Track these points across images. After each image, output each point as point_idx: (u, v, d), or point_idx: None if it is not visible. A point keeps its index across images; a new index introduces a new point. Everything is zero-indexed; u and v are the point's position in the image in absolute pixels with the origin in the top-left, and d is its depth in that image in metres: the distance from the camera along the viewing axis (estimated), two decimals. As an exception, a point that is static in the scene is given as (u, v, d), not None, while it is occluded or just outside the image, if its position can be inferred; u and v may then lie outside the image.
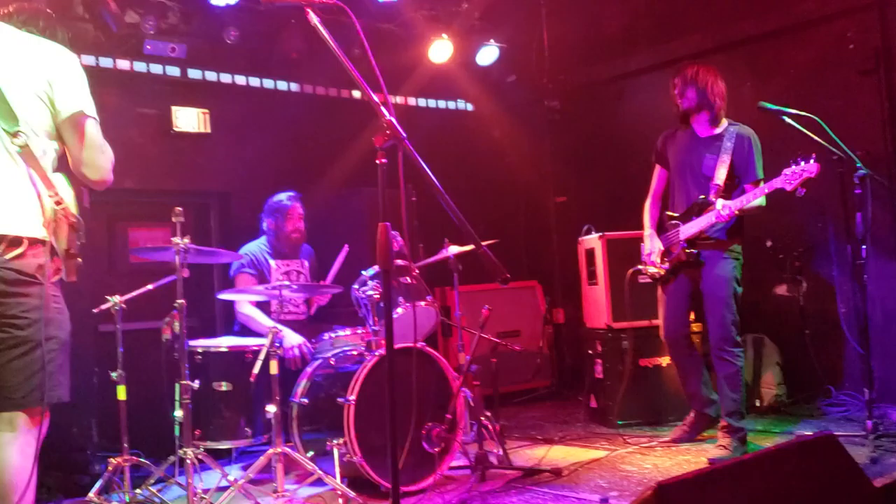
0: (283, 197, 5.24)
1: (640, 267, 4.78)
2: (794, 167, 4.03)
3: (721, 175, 4.39)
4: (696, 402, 4.77)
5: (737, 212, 4.25)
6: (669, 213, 4.64)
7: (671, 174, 4.72)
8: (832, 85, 5.53)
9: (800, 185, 4.00)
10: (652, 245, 4.70)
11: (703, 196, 4.43)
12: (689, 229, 4.46)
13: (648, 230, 4.78)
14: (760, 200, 4.25)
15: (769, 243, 5.82)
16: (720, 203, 4.29)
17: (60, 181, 2.66)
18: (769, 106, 4.37)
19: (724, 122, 4.53)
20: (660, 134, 4.83)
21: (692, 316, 4.78)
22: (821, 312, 5.58)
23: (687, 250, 4.48)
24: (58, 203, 2.58)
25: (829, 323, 5.51)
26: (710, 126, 4.53)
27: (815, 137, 4.27)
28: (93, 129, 2.72)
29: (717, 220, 4.31)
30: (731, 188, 4.42)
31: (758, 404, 5.44)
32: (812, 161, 4.00)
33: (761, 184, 4.29)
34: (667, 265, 4.60)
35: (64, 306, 2.67)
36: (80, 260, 2.68)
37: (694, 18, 6.28)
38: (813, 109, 4.36)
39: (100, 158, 2.73)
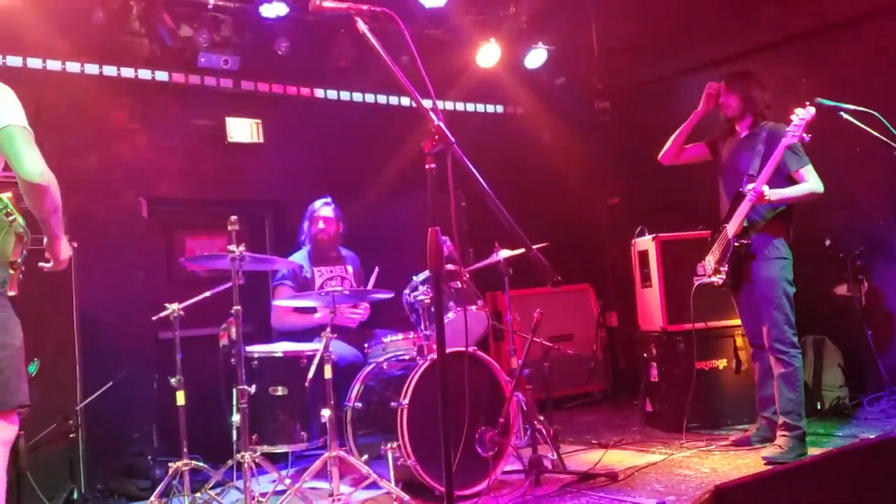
0: (316, 202, 5.31)
1: (704, 280, 4.71)
2: (794, 119, 4.20)
3: (755, 165, 4.41)
4: (768, 410, 4.65)
5: (767, 194, 4.22)
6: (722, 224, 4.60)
7: (719, 177, 4.73)
8: (890, 78, 5.38)
9: (804, 132, 4.17)
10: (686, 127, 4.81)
11: (740, 189, 4.43)
12: (733, 224, 4.45)
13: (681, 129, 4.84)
14: (808, 185, 4.29)
15: (828, 242, 5.69)
16: (749, 186, 4.32)
17: (6, 195, 2.73)
18: (826, 102, 4.27)
19: (762, 122, 4.56)
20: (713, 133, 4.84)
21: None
22: (883, 312, 5.43)
23: (737, 244, 4.44)
24: (7, 215, 2.64)
25: (892, 323, 5.36)
26: (751, 128, 4.60)
27: (874, 132, 4.16)
28: (18, 136, 2.75)
29: (749, 206, 4.31)
30: (778, 183, 4.36)
31: (819, 407, 5.32)
32: (808, 106, 4.18)
33: (806, 172, 4.34)
34: (726, 267, 4.53)
35: (12, 314, 2.77)
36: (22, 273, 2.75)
37: (745, 15, 6.17)
38: (871, 104, 4.25)
39: (27, 163, 2.72)
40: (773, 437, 4.49)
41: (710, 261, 4.65)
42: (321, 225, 5.29)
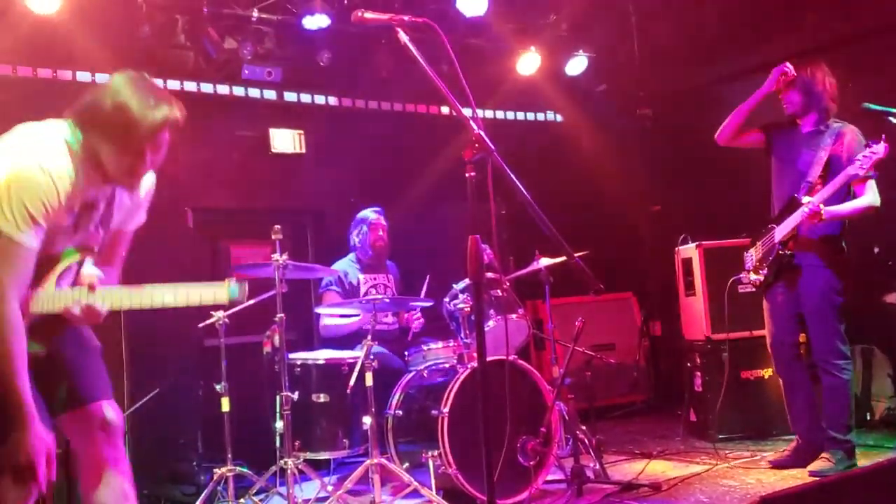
0: (369, 211, 5.39)
1: (740, 276, 4.63)
2: (865, 151, 4.00)
3: (815, 172, 4.24)
4: (801, 427, 4.44)
5: (822, 212, 4.05)
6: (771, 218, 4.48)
7: (774, 172, 4.53)
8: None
9: (872, 167, 3.99)
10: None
11: (795, 195, 4.28)
12: (782, 230, 4.31)
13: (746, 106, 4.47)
14: (866, 200, 4.11)
15: (877, 250, 5.57)
16: (805, 199, 4.16)
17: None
18: (873, 107, 4.19)
19: (831, 121, 4.36)
20: None
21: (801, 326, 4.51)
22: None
23: (780, 251, 4.33)
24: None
25: (944, 332, 5.22)
26: (816, 124, 4.37)
27: (924, 138, 4.07)
28: None
29: (801, 220, 4.14)
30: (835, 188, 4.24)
31: (868, 418, 5.20)
32: (881, 143, 3.96)
33: (869, 183, 4.15)
34: (766, 270, 4.44)
35: None
36: None
37: (790, 19, 6.09)
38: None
39: None
40: (811, 457, 4.32)
41: (753, 255, 4.53)
42: (380, 233, 5.37)
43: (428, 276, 5.01)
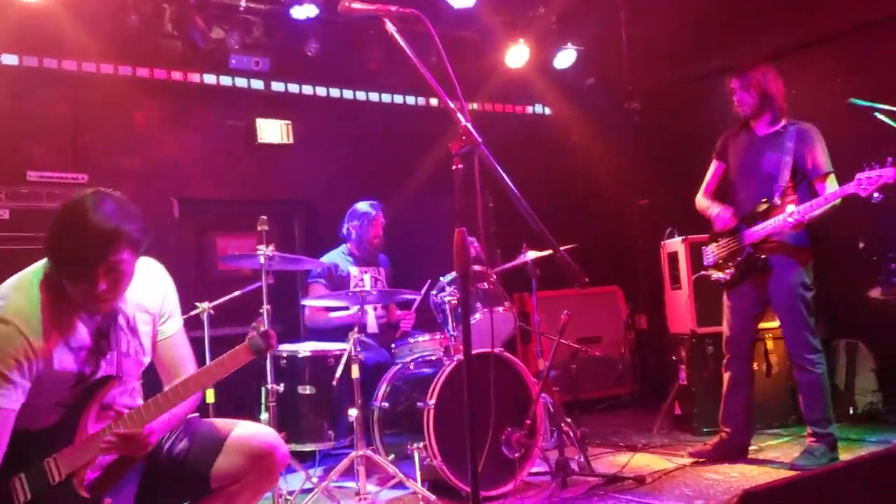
0: (367, 205, 5.36)
1: (704, 272, 4.66)
2: (868, 172, 3.89)
3: (785, 175, 4.26)
4: (730, 423, 4.51)
5: (806, 218, 4.10)
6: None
7: (732, 176, 4.58)
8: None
9: (876, 190, 3.86)
10: (724, 211, 4.47)
11: (765, 199, 4.30)
12: (754, 233, 4.33)
13: (712, 205, 4.57)
14: (833, 197, 4.09)
15: (862, 244, 5.60)
16: (789, 209, 4.15)
17: None
18: (860, 102, 4.20)
19: (783, 121, 4.39)
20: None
21: (759, 325, 4.62)
22: (919, 316, 5.33)
23: (753, 255, 4.35)
24: None
25: (928, 327, 5.26)
26: (770, 125, 4.41)
27: (910, 134, 4.09)
28: None
29: (783, 227, 4.16)
30: (796, 187, 4.29)
31: (851, 412, 5.24)
32: (889, 165, 3.85)
33: (830, 178, 4.17)
34: (732, 270, 4.46)
35: None
36: None
37: (778, 14, 6.10)
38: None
39: None
40: (733, 454, 4.42)
41: (714, 251, 4.55)
42: (379, 231, 5.37)
43: (429, 281, 4.95)
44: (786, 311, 4.29)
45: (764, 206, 4.31)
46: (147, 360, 2.63)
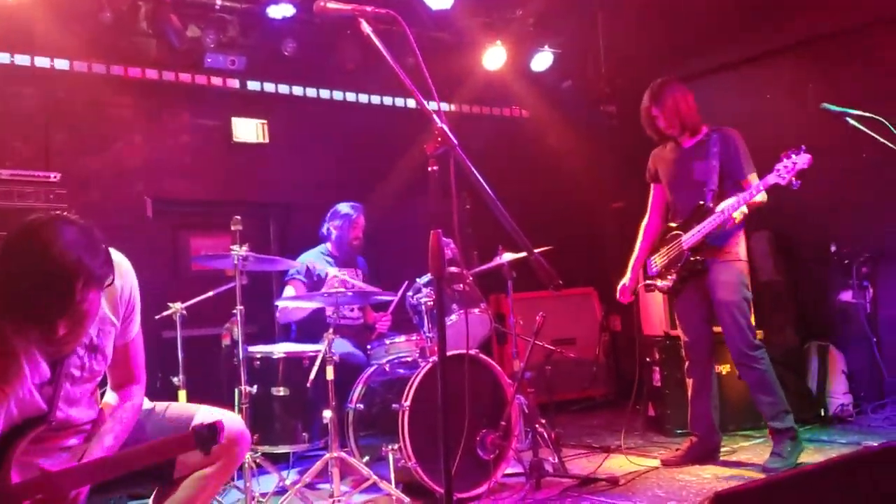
0: (348, 206, 5.34)
1: (648, 282, 4.71)
2: (785, 161, 4.02)
3: (714, 179, 4.35)
4: (700, 427, 4.56)
5: (737, 214, 4.18)
6: (670, 224, 4.57)
7: (667, 189, 4.65)
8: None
9: (794, 177, 3.99)
10: (630, 278, 4.70)
11: (701, 202, 4.36)
12: (691, 237, 4.38)
13: (633, 258, 4.74)
14: (760, 197, 4.18)
15: (833, 248, 5.66)
16: (719, 207, 4.24)
17: None
18: (832, 107, 4.25)
19: (704, 129, 4.49)
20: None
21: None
22: (888, 319, 5.42)
23: (692, 258, 4.40)
24: None
25: (898, 330, 5.34)
26: (693, 136, 4.51)
27: (880, 139, 4.14)
28: None
29: (719, 223, 4.23)
30: (726, 190, 4.35)
31: (823, 413, 5.30)
32: (803, 153, 3.99)
33: (752, 176, 4.27)
34: (674, 276, 4.51)
35: None
36: None
37: (752, 20, 6.16)
38: (877, 110, 4.23)
39: None
40: (704, 457, 4.47)
41: (656, 261, 4.61)
42: (359, 233, 5.35)
43: (406, 283, 4.94)
44: (724, 310, 4.34)
45: (699, 211, 4.37)
46: (105, 365, 2.48)
